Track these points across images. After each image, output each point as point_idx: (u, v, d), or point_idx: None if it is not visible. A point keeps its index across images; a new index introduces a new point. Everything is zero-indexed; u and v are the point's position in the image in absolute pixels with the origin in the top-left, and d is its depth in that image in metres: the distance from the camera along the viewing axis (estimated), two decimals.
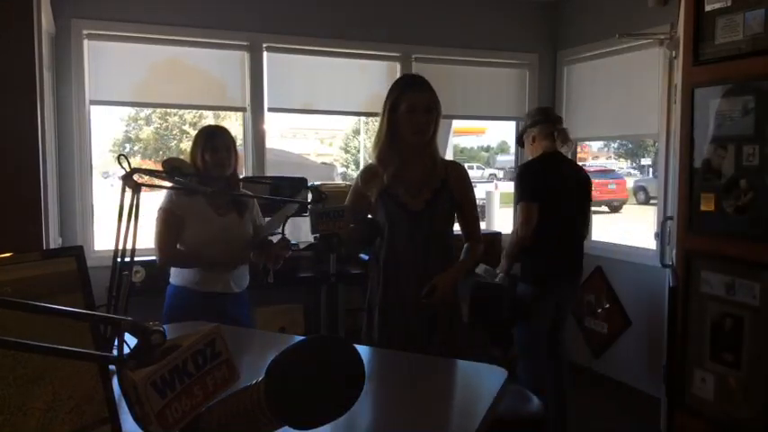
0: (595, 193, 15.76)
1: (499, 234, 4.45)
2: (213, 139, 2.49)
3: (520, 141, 3.44)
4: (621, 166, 21.47)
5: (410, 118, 2.17)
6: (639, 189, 17.02)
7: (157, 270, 2.72)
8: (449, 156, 6.07)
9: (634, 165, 21.97)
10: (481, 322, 3.14)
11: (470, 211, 2.35)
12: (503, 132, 21.28)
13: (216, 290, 2.51)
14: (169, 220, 2.47)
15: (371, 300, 2.31)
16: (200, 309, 2.36)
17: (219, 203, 2.53)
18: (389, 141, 2.24)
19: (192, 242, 2.49)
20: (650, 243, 4.12)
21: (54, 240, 3.17)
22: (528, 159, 3.30)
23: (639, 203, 16.21)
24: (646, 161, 20.93)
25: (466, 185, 2.33)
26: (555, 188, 3.12)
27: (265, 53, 4.12)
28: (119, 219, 1.65)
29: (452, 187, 2.27)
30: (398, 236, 2.23)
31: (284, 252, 2.54)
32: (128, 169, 1.67)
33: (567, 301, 3.30)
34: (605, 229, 8.83)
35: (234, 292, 2.57)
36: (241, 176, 3.47)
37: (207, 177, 2.47)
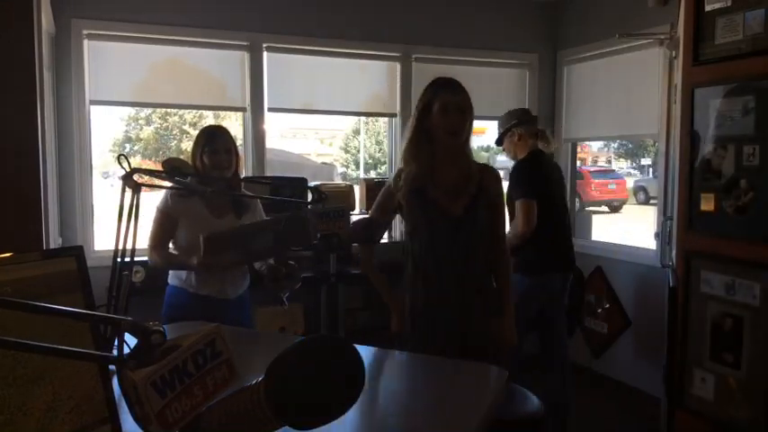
0: (595, 193, 15.80)
1: None
2: (213, 141, 2.45)
3: (500, 140, 3.44)
4: (621, 166, 21.47)
5: (443, 118, 2.15)
6: (639, 189, 17.03)
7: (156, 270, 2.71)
8: None
9: (634, 165, 21.96)
10: None
11: (500, 216, 2.35)
12: None
13: (210, 294, 2.45)
14: (162, 222, 2.45)
15: (414, 302, 2.27)
16: (199, 311, 2.33)
17: (217, 205, 2.48)
18: (418, 142, 2.21)
19: (185, 244, 2.43)
20: (650, 243, 4.12)
21: (54, 240, 3.17)
22: (517, 158, 3.33)
23: (639, 203, 16.21)
24: (646, 161, 20.92)
25: (499, 191, 2.33)
26: (547, 185, 3.19)
27: (265, 53, 4.12)
28: (119, 219, 1.66)
29: (488, 192, 2.26)
30: (439, 241, 2.20)
31: (295, 283, 2.41)
32: (128, 169, 1.67)
33: (558, 297, 3.30)
34: (605, 229, 8.82)
35: (229, 297, 2.49)
36: (241, 176, 3.46)
37: (207, 178, 2.45)
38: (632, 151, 21.56)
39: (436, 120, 2.17)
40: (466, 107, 2.19)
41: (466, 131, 2.21)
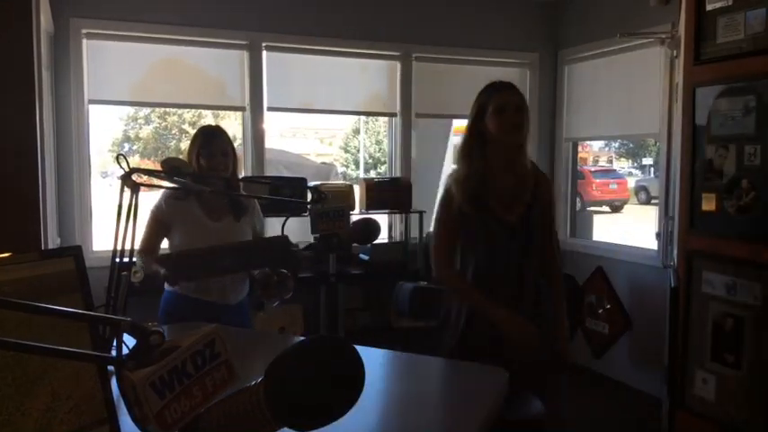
0: (596, 193, 15.76)
1: None
2: (209, 143, 2.39)
3: None
4: (623, 165, 21.45)
5: (500, 118, 2.08)
6: (641, 189, 16.99)
7: None
8: (448, 155, 6.07)
9: (635, 164, 21.94)
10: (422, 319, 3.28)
11: (552, 223, 2.29)
12: None
13: (210, 299, 2.39)
14: (152, 227, 2.40)
15: (469, 308, 2.20)
16: (199, 316, 2.25)
17: (214, 207, 2.42)
18: (470, 144, 2.16)
19: (181, 248, 2.37)
20: (651, 243, 4.11)
21: (52, 240, 3.16)
22: None
23: (641, 203, 16.18)
24: (647, 161, 20.90)
25: (551, 198, 2.28)
26: None
27: (265, 52, 4.11)
28: (117, 219, 1.65)
29: (542, 199, 2.20)
30: (496, 249, 2.15)
31: (285, 293, 2.38)
32: (126, 169, 1.66)
33: None
34: (606, 229, 8.80)
35: (230, 303, 2.45)
36: (240, 176, 3.44)
37: (206, 177, 2.39)
38: (633, 151, 21.54)
39: (491, 122, 2.09)
40: (523, 106, 2.12)
41: (525, 130, 2.12)
